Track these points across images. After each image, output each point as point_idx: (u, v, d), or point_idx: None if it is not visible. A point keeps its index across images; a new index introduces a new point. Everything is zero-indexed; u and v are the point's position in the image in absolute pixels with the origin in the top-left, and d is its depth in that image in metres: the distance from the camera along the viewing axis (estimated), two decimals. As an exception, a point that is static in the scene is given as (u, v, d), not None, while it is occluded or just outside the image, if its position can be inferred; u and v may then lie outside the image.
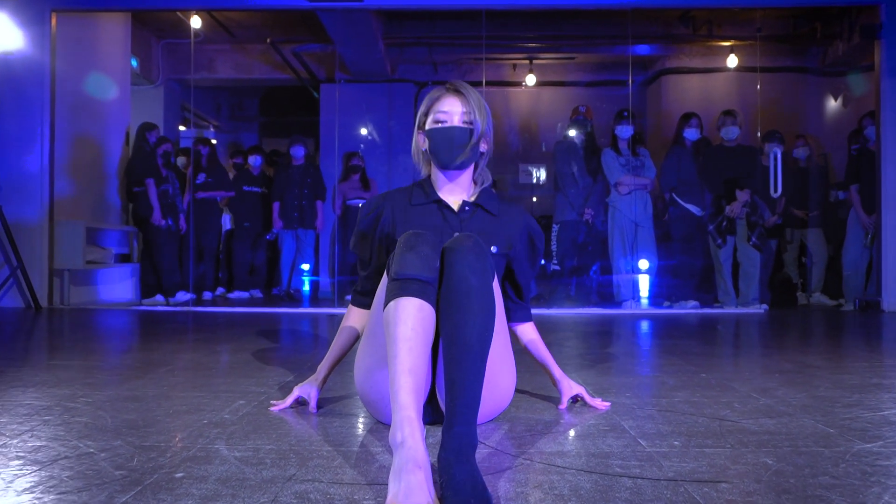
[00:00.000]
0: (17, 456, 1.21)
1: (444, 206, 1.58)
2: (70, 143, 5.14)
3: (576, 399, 1.69)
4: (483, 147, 1.60)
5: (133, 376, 2.05)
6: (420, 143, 1.62)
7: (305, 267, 6.41)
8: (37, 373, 2.12)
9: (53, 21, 4.86)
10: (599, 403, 1.65)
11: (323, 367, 1.64)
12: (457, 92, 1.55)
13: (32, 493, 1.02)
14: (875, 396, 1.77)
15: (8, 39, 4.36)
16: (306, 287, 6.55)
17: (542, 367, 1.70)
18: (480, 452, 1.24)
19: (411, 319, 1.16)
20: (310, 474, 1.11)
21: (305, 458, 1.21)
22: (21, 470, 1.13)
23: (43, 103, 4.78)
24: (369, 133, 6.86)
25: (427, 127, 1.57)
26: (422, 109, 1.58)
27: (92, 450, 1.25)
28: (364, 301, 1.63)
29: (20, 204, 4.70)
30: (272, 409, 1.60)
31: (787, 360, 2.45)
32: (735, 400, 1.73)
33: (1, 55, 4.45)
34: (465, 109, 1.54)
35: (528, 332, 1.70)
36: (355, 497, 1.01)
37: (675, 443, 1.33)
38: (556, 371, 1.68)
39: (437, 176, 1.61)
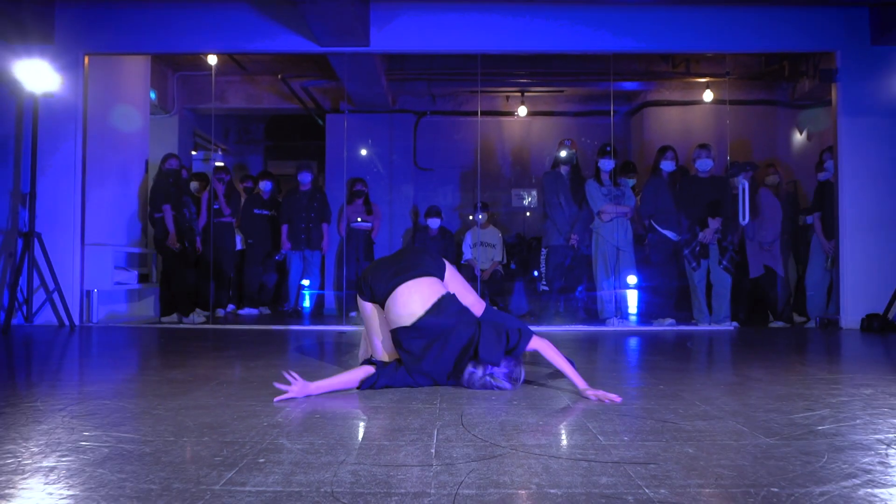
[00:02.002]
0: (143, 452, 1.64)
1: None
2: (97, 172, 5.58)
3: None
4: None
5: (192, 388, 2.48)
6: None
7: (306, 283, 6.81)
8: (113, 385, 2.54)
9: (86, 63, 5.31)
10: (614, 396, 2.25)
11: (322, 387, 2.29)
12: None
13: (164, 470, 1.45)
14: (792, 404, 2.22)
15: (47, 82, 4.80)
16: (307, 302, 6.96)
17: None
18: (476, 444, 1.68)
19: None
20: (356, 460, 1.55)
21: (350, 449, 1.64)
22: (151, 458, 1.56)
23: (76, 139, 5.23)
24: (372, 160, 7.32)
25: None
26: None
27: (189, 444, 1.68)
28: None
29: (55, 230, 5.13)
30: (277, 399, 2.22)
31: (736, 374, 2.91)
32: (680, 407, 2.18)
33: (42, 97, 4.89)
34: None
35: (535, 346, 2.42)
36: (391, 474, 1.44)
37: (625, 438, 1.77)
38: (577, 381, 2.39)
39: None
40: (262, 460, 1.54)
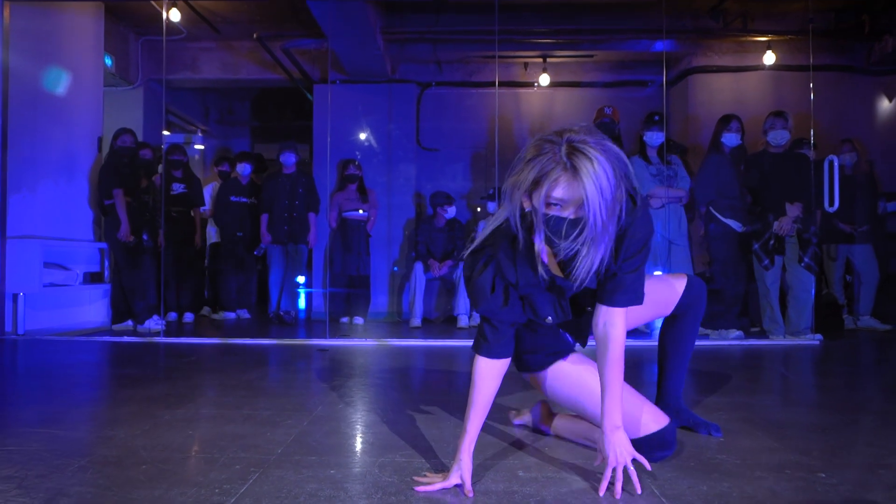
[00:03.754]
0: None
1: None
2: (29, 148, 4.57)
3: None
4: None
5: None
6: (525, 204, 1.37)
7: (301, 279, 5.83)
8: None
9: (6, 12, 4.28)
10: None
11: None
12: (575, 176, 1.28)
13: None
14: None
15: (-51, 31, 3.78)
16: (300, 305, 5.96)
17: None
18: None
19: None
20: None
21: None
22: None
23: (-7, 103, 4.20)
24: (367, 139, 6.27)
25: (535, 203, 1.34)
26: (532, 175, 1.32)
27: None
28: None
29: (-35, 220, 4.12)
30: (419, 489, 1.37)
31: (833, 409, 1.85)
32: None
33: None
34: (580, 197, 1.29)
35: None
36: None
37: None
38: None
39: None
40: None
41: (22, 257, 4.26)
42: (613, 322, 1.46)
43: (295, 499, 1.34)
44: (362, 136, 6.27)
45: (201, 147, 8.32)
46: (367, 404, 2.31)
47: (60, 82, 4.78)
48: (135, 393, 2.46)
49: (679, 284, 1.75)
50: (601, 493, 1.34)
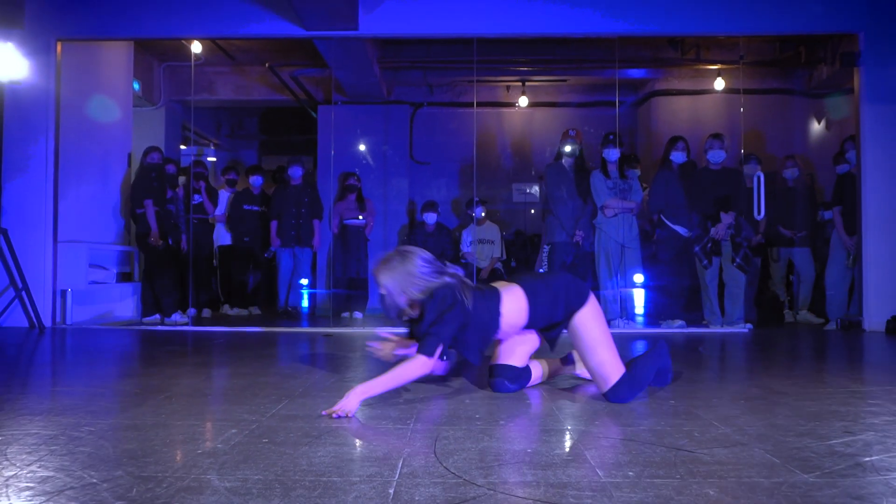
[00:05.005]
0: (26, 486, 1.33)
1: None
2: (74, 165, 5.29)
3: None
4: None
5: (133, 404, 2.17)
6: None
7: (304, 282, 6.54)
8: (43, 400, 2.24)
9: (58, 50, 5.02)
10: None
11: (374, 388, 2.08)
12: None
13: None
14: (828, 425, 1.89)
15: (15, 69, 4.51)
16: (305, 302, 6.68)
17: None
18: (447, 482, 1.36)
19: None
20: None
21: (289, 489, 1.33)
22: (31, 500, 1.25)
23: (48, 129, 4.93)
24: (365, 153, 7.00)
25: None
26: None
27: (95, 480, 1.37)
28: None
29: (25, 226, 4.84)
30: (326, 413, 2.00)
31: (756, 385, 2.58)
32: (696, 429, 1.85)
33: (8, 84, 4.60)
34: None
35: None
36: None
37: (630, 473, 1.44)
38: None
39: None
40: (174, 505, 1.22)
41: (70, 259, 4.97)
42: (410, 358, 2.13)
43: (313, 411, 2.06)
44: (361, 150, 7.01)
45: (213, 159, 9.07)
46: (363, 371, 3.03)
47: (106, 110, 5.51)
48: (185, 360, 3.19)
49: (611, 377, 2.21)
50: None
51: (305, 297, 6.70)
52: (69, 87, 5.19)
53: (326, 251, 6.74)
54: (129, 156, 6.14)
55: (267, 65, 6.46)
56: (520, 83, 6.88)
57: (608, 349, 2.24)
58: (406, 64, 6.41)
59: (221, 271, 6.97)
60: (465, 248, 6.37)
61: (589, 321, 2.25)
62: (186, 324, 5.26)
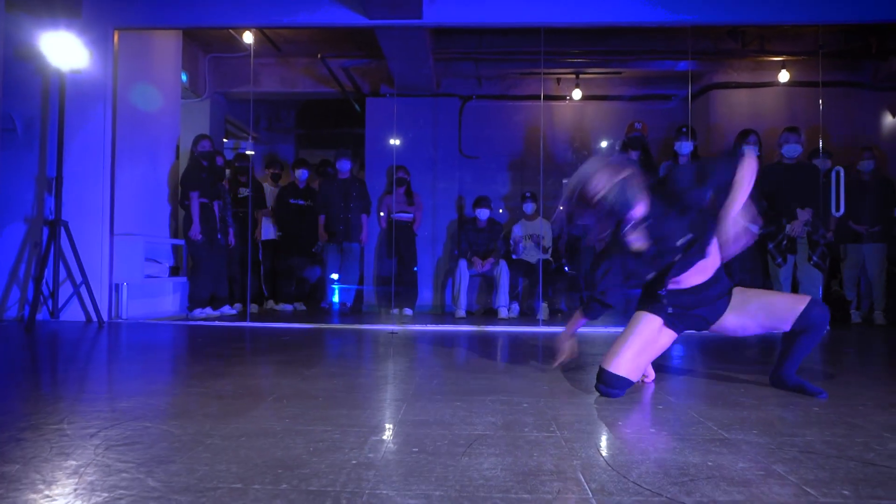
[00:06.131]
0: (199, 495, 1.21)
1: None
2: (126, 156, 5.21)
3: None
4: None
5: (244, 407, 2.05)
6: None
7: (335, 276, 6.37)
8: (152, 401, 2.13)
9: (116, 39, 4.93)
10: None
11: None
12: None
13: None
14: None
15: (75, 58, 4.42)
16: (345, 298, 6.56)
17: None
18: (650, 500, 1.22)
19: None
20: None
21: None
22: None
23: (105, 119, 4.85)
24: (415, 147, 6.87)
25: None
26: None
27: (263, 496, 1.25)
28: None
29: (83, 218, 4.76)
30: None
31: (890, 391, 2.41)
32: (869, 440, 1.70)
33: (69, 74, 4.51)
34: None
35: None
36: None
37: (844, 492, 1.30)
38: None
39: None
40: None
41: (126, 252, 4.89)
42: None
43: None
44: (409, 143, 6.88)
45: (251, 152, 8.98)
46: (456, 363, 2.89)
47: (151, 100, 5.42)
48: (261, 358, 3.07)
49: (800, 303, 2.19)
50: None
51: (353, 293, 6.59)
52: (123, 77, 5.10)
53: (374, 246, 6.63)
54: (178, 146, 6.05)
55: (319, 56, 6.34)
56: (573, 75, 6.71)
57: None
58: (459, 55, 6.25)
59: (266, 266, 6.88)
60: (516, 242, 6.23)
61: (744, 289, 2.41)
62: (235, 318, 5.16)
